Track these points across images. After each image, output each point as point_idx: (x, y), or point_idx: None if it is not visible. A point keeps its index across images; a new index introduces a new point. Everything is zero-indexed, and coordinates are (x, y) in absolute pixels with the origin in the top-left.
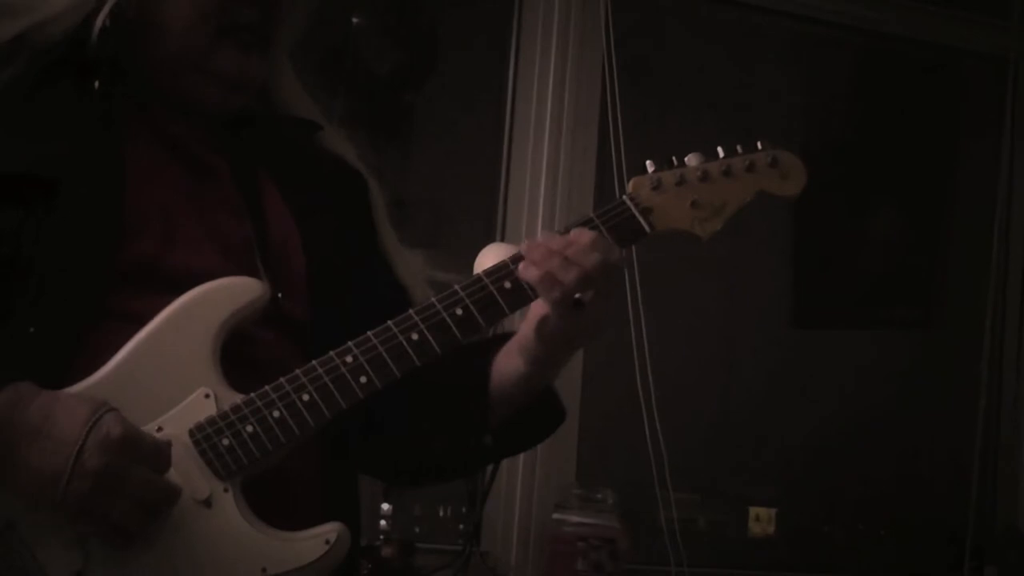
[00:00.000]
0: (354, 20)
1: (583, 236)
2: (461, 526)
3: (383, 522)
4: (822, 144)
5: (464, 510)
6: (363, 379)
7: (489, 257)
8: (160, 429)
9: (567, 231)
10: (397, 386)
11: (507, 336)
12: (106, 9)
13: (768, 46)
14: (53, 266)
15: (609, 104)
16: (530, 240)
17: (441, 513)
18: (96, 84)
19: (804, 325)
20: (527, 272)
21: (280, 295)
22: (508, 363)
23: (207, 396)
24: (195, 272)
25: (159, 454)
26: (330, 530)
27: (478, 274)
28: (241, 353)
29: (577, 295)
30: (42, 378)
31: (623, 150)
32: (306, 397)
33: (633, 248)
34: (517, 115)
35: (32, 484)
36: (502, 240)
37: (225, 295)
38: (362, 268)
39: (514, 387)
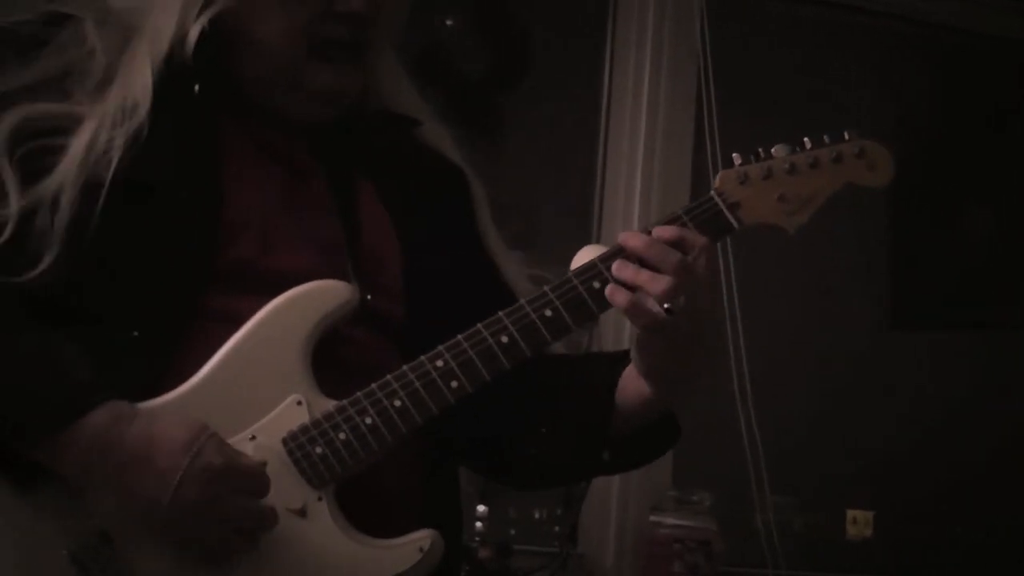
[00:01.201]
0: (447, 22)
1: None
2: (556, 528)
3: (479, 524)
4: (917, 143)
5: (559, 512)
6: (454, 383)
7: (585, 258)
8: (253, 438)
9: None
10: (523, 390)
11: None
12: (204, 18)
13: (861, 44)
14: (155, 269)
15: (704, 101)
16: (620, 262)
17: (536, 515)
18: (196, 89)
19: (901, 326)
20: (615, 297)
21: (369, 296)
22: (634, 383)
23: (299, 403)
24: (291, 274)
25: (258, 480)
26: (424, 537)
27: (567, 275)
28: (334, 354)
29: (666, 304)
30: (143, 380)
31: (718, 148)
32: (398, 403)
33: (729, 251)
34: (612, 114)
35: (132, 508)
36: (598, 240)
37: (314, 300)
38: (462, 265)
39: (638, 407)
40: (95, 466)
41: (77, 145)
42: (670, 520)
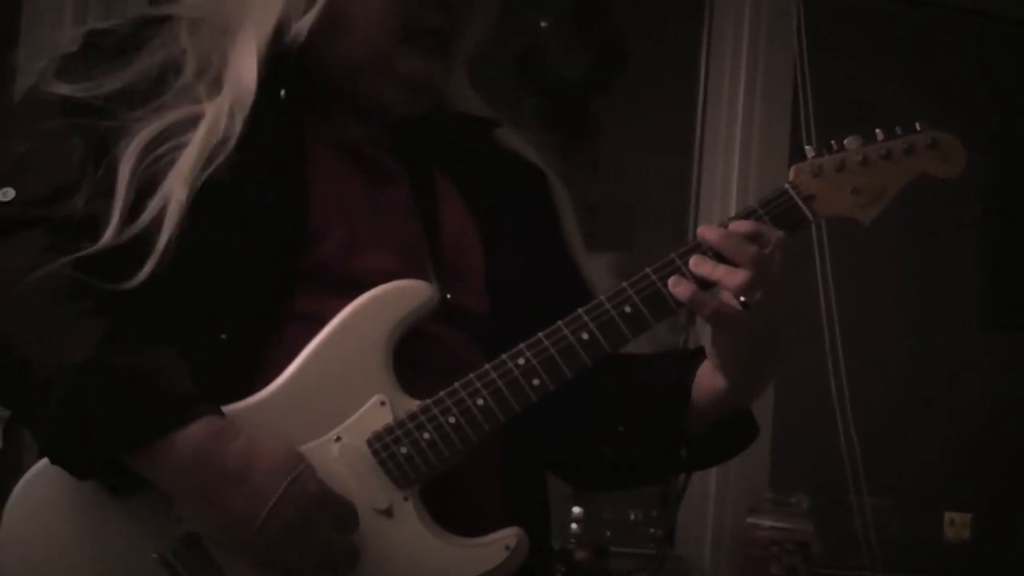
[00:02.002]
0: (542, 24)
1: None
2: (652, 530)
3: (574, 525)
4: (1015, 142)
5: (654, 514)
6: (536, 381)
7: None
8: (338, 439)
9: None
10: (598, 389)
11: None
12: (314, 12)
13: (960, 43)
14: (241, 271)
15: (801, 102)
16: (697, 257)
17: (632, 517)
18: (282, 91)
19: (996, 326)
20: (677, 288)
21: (449, 296)
22: (709, 379)
23: (382, 403)
24: (373, 274)
25: (347, 516)
26: (510, 535)
27: (646, 270)
28: (416, 352)
29: (742, 298)
30: (229, 382)
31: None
32: (480, 402)
33: (827, 252)
34: (708, 115)
35: (224, 522)
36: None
37: (395, 300)
38: (543, 263)
39: (713, 404)
40: (189, 478)
41: (190, 151)
42: (767, 522)
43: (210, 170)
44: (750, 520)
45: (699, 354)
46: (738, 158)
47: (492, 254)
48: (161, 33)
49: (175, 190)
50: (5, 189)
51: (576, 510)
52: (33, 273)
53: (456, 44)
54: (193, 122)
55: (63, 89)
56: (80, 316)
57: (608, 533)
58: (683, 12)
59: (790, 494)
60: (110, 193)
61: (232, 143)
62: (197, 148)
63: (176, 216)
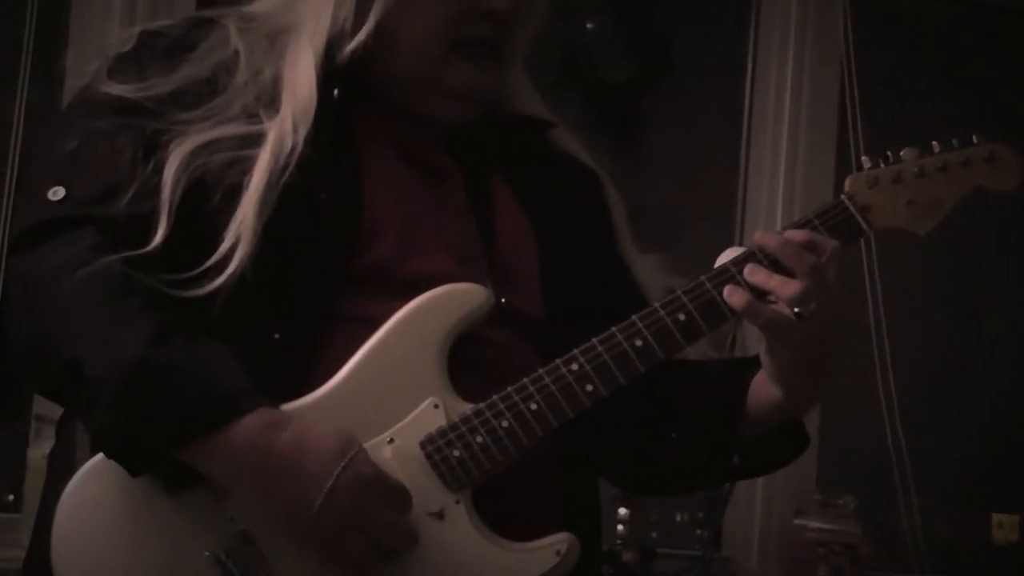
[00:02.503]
0: (588, 25)
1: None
2: (698, 531)
3: (620, 527)
4: None
5: (701, 515)
6: (589, 387)
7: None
8: (392, 441)
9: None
10: (653, 395)
11: None
12: (372, 21)
13: (1011, 46)
14: (296, 272)
15: (848, 103)
16: (752, 265)
17: (678, 518)
18: (335, 91)
19: None
20: (732, 297)
21: (504, 300)
22: (764, 388)
23: (436, 406)
24: (428, 276)
25: (403, 498)
26: (561, 540)
27: (700, 278)
28: (471, 354)
29: (796, 308)
30: (284, 382)
31: (862, 150)
32: (534, 406)
33: (874, 254)
34: (754, 116)
35: (280, 512)
36: (741, 244)
37: (449, 303)
38: (598, 266)
39: (767, 413)
40: (243, 470)
41: (258, 177)
42: (815, 524)
43: (278, 190)
44: (797, 522)
45: (755, 362)
46: (784, 158)
47: (546, 257)
48: (212, 35)
49: (248, 217)
50: (56, 188)
51: (622, 511)
52: (82, 271)
53: (507, 50)
54: (254, 140)
55: (115, 89)
56: (130, 313)
57: (654, 534)
58: (729, 12)
59: (837, 495)
60: (158, 193)
61: (296, 157)
62: (265, 174)
63: (249, 244)
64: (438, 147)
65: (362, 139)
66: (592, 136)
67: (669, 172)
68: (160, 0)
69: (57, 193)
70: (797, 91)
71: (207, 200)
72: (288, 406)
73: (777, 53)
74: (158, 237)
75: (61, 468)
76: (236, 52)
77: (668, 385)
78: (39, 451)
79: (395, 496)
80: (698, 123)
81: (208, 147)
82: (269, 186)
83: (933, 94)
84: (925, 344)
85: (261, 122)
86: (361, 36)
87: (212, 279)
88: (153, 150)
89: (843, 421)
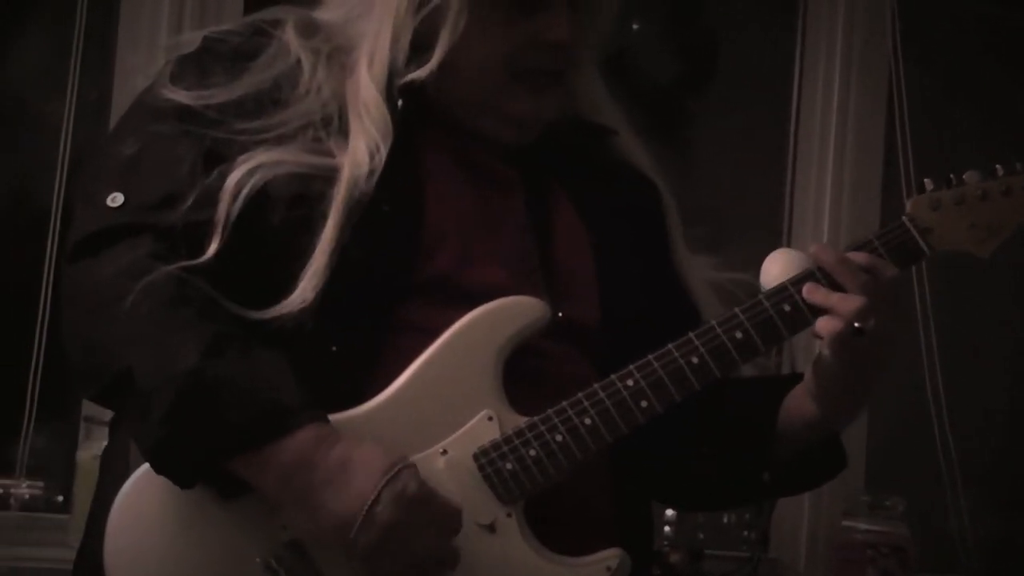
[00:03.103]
0: (634, 26)
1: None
2: (745, 533)
3: (667, 528)
4: None
5: (748, 517)
6: (644, 403)
7: (775, 263)
8: (445, 452)
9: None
10: (687, 411)
11: (801, 376)
12: (439, 55)
13: None
14: (355, 284)
15: (895, 102)
16: (811, 285)
17: (725, 519)
18: (399, 102)
19: None
20: (813, 295)
21: (560, 314)
22: (798, 405)
23: (490, 419)
24: (486, 288)
25: (450, 517)
26: (612, 556)
27: (758, 296)
28: (526, 365)
29: (857, 324)
30: (339, 391)
31: (910, 148)
32: (588, 421)
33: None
34: (802, 117)
35: (324, 524)
36: (788, 245)
37: (506, 316)
38: (654, 278)
39: (801, 430)
40: (292, 484)
41: (338, 202)
42: (863, 525)
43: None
44: (845, 523)
45: (793, 379)
46: (832, 159)
47: (604, 268)
48: (274, 44)
49: (326, 251)
50: (114, 194)
51: (669, 512)
52: (138, 280)
53: (570, 74)
54: (323, 166)
55: (177, 95)
56: (185, 323)
57: (701, 535)
58: (776, 14)
59: (886, 497)
60: (215, 201)
61: (369, 186)
62: (343, 207)
63: (324, 276)
64: (499, 158)
65: (423, 149)
66: (639, 137)
67: (716, 174)
68: (208, 4)
69: (116, 199)
70: (844, 92)
71: (268, 216)
72: (343, 415)
73: (824, 55)
74: (211, 249)
75: (114, 468)
76: (298, 62)
77: (703, 400)
78: (88, 452)
79: (441, 515)
80: (745, 125)
81: (275, 165)
82: (347, 218)
83: (983, 88)
84: (974, 344)
85: (323, 140)
86: (422, 73)
87: (285, 306)
88: (213, 159)
89: (891, 422)
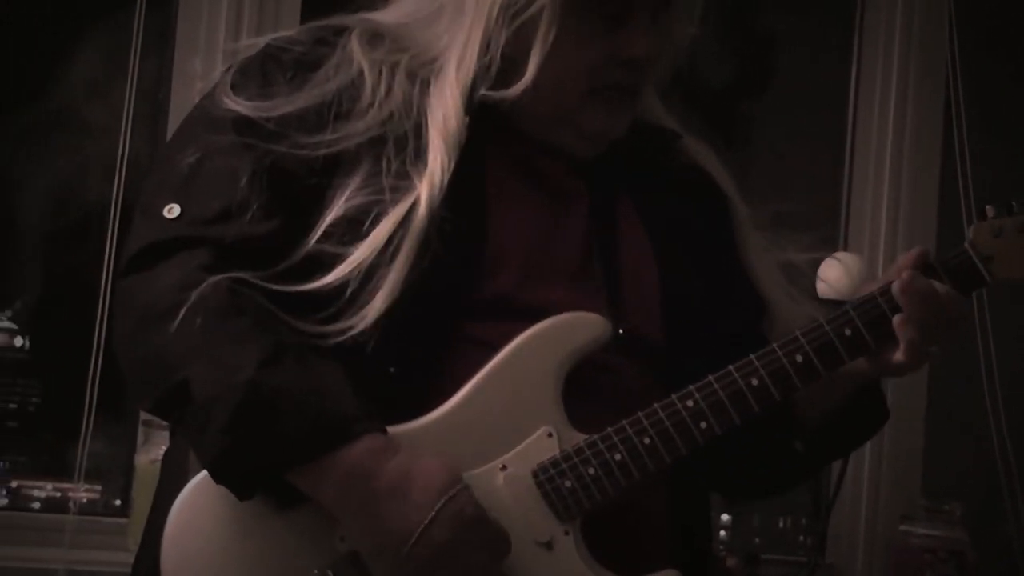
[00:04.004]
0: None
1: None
2: (801, 537)
3: (723, 532)
4: None
5: (804, 521)
6: (703, 424)
7: (832, 268)
8: (504, 468)
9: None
10: None
11: None
12: (528, 77)
13: None
14: (417, 301)
15: (953, 105)
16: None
17: (781, 524)
18: (467, 118)
19: None
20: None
21: (622, 330)
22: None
23: (550, 435)
24: (549, 304)
25: (500, 542)
26: None
27: (819, 321)
28: (587, 380)
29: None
30: (399, 406)
31: (967, 152)
32: (647, 441)
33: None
34: (859, 121)
35: (380, 537)
36: (844, 249)
37: (567, 332)
38: (722, 291)
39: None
40: (349, 495)
41: (416, 225)
42: (920, 530)
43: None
44: (903, 528)
45: None
46: (889, 163)
47: (669, 281)
48: (337, 52)
49: (399, 274)
50: (171, 205)
51: (725, 517)
52: (194, 292)
53: (644, 91)
54: (398, 187)
55: (237, 106)
56: (241, 335)
57: (757, 540)
58: (833, 17)
59: (944, 501)
60: (272, 215)
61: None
62: (421, 230)
63: (395, 297)
64: (566, 170)
65: (489, 162)
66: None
67: (772, 177)
68: (267, 6)
69: (173, 211)
70: (902, 94)
71: (339, 233)
72: (403, 427)
73: (882, 57)
74: (320, 281)
75: (174, 471)
76: (360, 74)
77: None
78: (146, 456)
79: (493, 539)
80: (801, 129)
81: (358, 187)
82: (423, 241)
83: None
84: None
85: (393, 160)
86: (517, 90)
87: (353, 328)
88: (273, 173)
89: (949, 427)
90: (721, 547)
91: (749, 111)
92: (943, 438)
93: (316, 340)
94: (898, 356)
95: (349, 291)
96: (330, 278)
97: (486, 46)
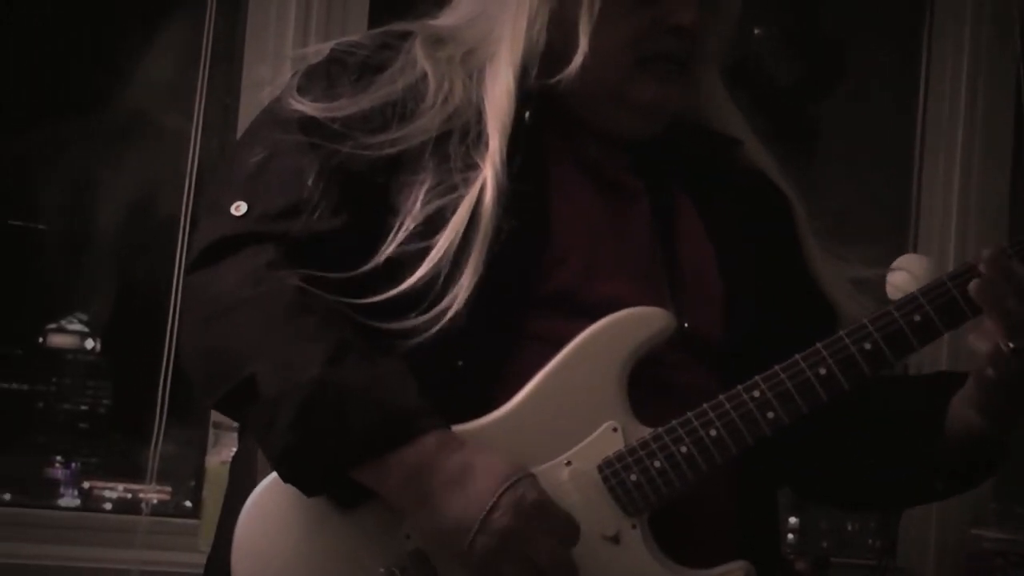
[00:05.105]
0: (756, 31)
1: None
2: (870, 540)
3: (791, 536)
4: None
5: (873, 524)
6: (770, 415)
7: (903, 269)
8: (569, 463)
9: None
10: (846, 414)
11: (964, 377)
12: (584, 44)
13: None
14: (484, 299)
15: None
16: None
17: (849, 527)
18: (527, 114)
19: None
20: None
21: (686, 325)
22: (963, 410)
23: (615, 430)
24: (612, 299)
25: (567, 527)
26: (737, 568)
27: (886, 308)
28: (651, 375)
29: (1011, 344)
30: (467, 400)
31: None
32: (713, 433)
33: None
34: (928, 121)
35: (443, 529)
36: (914, 250)
37: (631, 327)
38: (782, 289)
39: (966, 437)
40: (413, 490)
41: (485, 216)
42: (992, 534)
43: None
44: (974, 531)
45: (949, 382)
46: (959, 163)
47: (730, 278)
48: (400, 56)
49: (474, 270)
50: (238, 203)
51: (793, 520)
52: (260, 288)
53: (695, 64)
54: (462, 182)
55: (303, 107)
56: (307, 332)
57: (825, 544)
58: (902, 15)
59: (1016, 505)
60: (338, 213)
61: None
62: (491, 225)
63: (469, 294)
64: (625, 167)
65: (551, 159)
66: (762, 142)
67: (840, 177)
68: (334, 14)
69: (240, 208)
70: (972, 94)
71: (419, 232)
72: (467, 425)
73: (951, 56)
74: (405, 285)
75: (242, 475)
76: (424, 76)
77: (862, 404)
78: (217, 458)
79: (558, 524)
80: (870, 128)
81: (432, 186)
82: (494, 231)
83: None
84: None
85: (457, 153)
86: (576, 65)
87: (428, 328)
88: (339, 173)
89: (1020, 430)
90: (790, 551)
91: (817, 112)
92: (1015, 441)
93: (393, 339)
94: (982, 343)
95: (429, 287)
96: (418, 274)
97: (533, 24)
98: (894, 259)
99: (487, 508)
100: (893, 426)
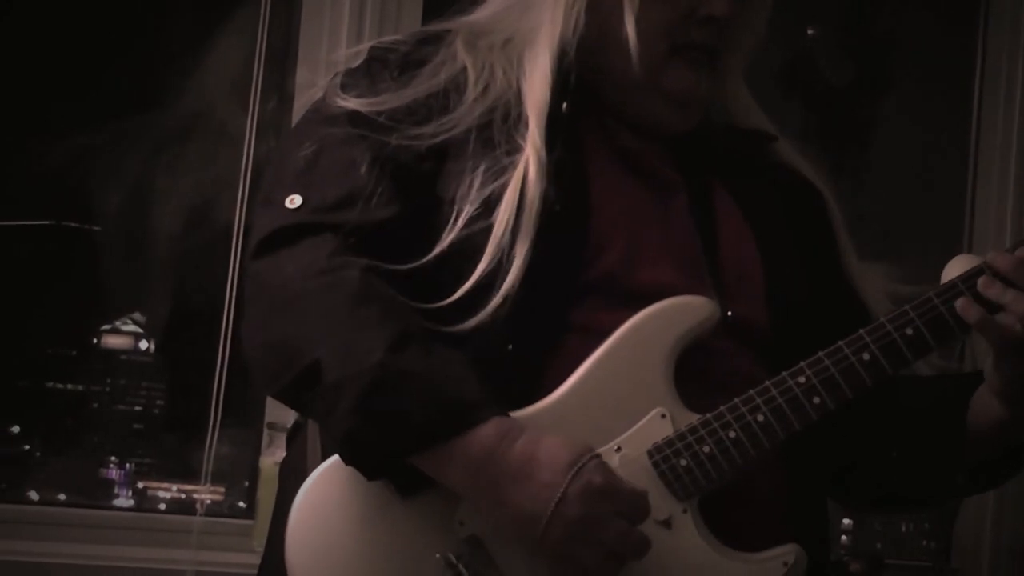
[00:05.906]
0: (809, 32)
1: None
2: (925, 542)
3: (844, 537)
4: None
5: (927, 526)
6: (816, 400)
7: (956, 268)
8: (619, 449)
9: (1014, 249)
10: (871, 412)
11: (981, 374)
12: (631, 27)
13: None
14: (532, 285)
15: None
16: (987, 278)
17: (903, 529)
18: (564, 104)
19: None
20: (966, 312)
21: (730, 313)
22: (985, 404)
23: (663, 416)
24: (655, 288)
25: (636, 504)
26: (788, 552)
27: (928, 293)
28: (696, 364)
29: None
30: (515, 391)
31: None
32: (761, 418)
33: None
34: (983, 121)
35: (511, 520)
36: (969, 251)
37: (677, 315)
38: (821, 279)
39: (990, 430)
40: (478, 479)
41: (529, 203)
42: None
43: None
44: None
45: (976, 378)
46: (1014, 164)
47: (771, 267)
48: (440, 50)
49: (521, 256)
50: (292, 196)
51: (846, 521)
52: (323, 278)
53: (726, 57)
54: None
55: (348, 103)
56: (369, 321)
57: (878, 545)
58: (956, 15)
59: None
60: (392, 202)
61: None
62: (536, 210)
63: (517, 281)
64: (663, 159)
65: (589, 149)
66: (815, 143)
67: (894, 178)
68: (387, 16)
69: (294, 201)
70: None
71: (475, 218)
72: (517, 414)
73: (1007, 56)
74: (436, 251)
75: (292, 478)
76: (464, 70)
77: (887, 402)
78: (271, 458)
79: (628, 503)
80: (924, 128)
81: (482, 173)
82: (540, 214)
83: None
84: None
85: (500, 139)
86: (633, 39)
87: (477, 313)
88: (389, 162)
89: None
90: (843, 552)
91: (870, 112)
92: None
93: (448, 326)
94: (1011, 326)
95: (493, 273)
96: (487, 258)
97: (571, 8)
98: (947, 262)
99: (556, 500)
100: (914, 418)
